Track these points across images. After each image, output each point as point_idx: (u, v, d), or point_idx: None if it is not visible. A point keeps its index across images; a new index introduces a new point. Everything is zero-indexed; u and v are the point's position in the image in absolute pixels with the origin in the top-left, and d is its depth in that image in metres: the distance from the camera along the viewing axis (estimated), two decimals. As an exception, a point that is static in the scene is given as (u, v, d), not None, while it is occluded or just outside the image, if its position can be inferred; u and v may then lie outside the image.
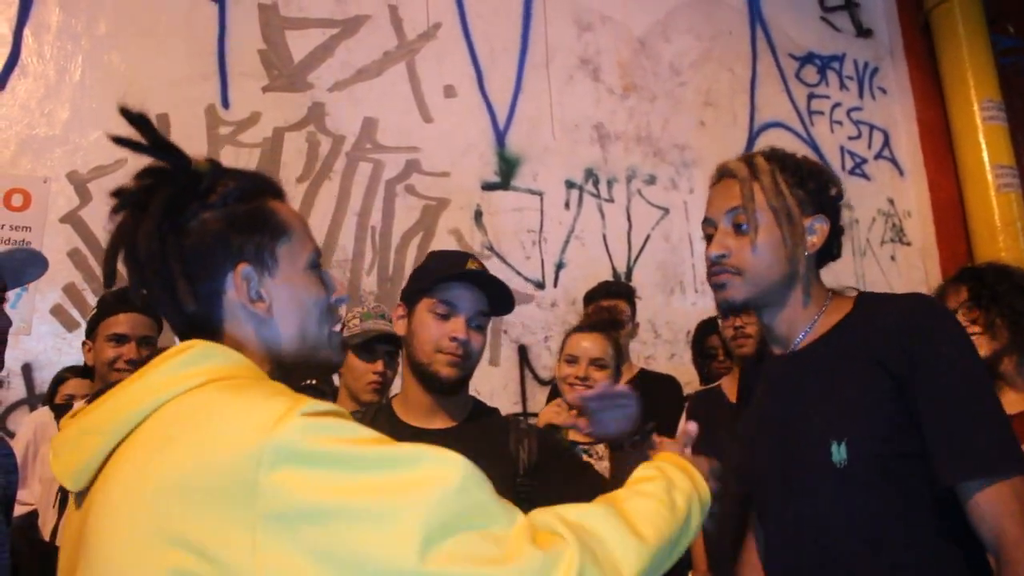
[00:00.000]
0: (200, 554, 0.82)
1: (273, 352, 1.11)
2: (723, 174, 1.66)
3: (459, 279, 1.84)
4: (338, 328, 1.22)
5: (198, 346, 1.02)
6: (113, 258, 1.08)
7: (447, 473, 0.92)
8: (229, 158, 3.77)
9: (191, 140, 3.74)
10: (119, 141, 1.08)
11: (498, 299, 1.90)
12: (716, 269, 1.61)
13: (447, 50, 4.37)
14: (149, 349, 2.60)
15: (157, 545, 0.84)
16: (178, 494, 0.85)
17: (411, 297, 1.91)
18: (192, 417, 0.92)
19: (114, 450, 0.96)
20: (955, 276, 2.50)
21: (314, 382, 3.23)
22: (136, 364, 2.53)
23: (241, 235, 1.09)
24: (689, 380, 4.03)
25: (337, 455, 0.87)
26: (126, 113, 1.06)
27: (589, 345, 2.62)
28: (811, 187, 1.61)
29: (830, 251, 1.65)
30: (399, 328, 1.93)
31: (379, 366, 2.67)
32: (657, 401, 3.28)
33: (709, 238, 1.65)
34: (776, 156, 1.64)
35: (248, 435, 0.86)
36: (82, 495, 0.99)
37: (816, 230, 1.60)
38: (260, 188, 1.15)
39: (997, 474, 1.38)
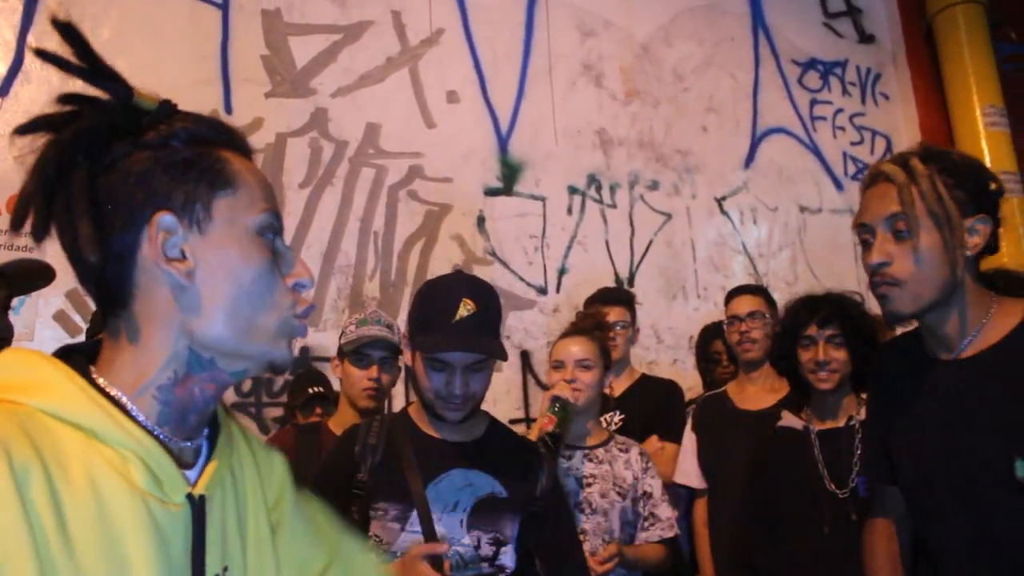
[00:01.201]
0: None
1: (187, 331, 0.90)
2: (878, 177, 1.64)
3: (446, 346, 1.82)
4: (296, 316, 0.97)
5: (4, 357, 0.86)
6: (26, 198, 0.89)
7: None
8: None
9: (194, 145, 3.74)
10: (42, 55, 0.90)
11: (496, 338, 1.93)
12: (877, 279, 1.60)
13: (450, 56, 4.37)
14: None
15: None
16: None
17: (411, 336, 1.93)
18: None
19: None
20: None
21: (320, 389, 3.23)
22: None
23: (170, 178, 0.89)
24: (692, 385, 4.03)
25: None
26: (56, 24, 0.89)
27: (575, 348, 2.64)
28: (971, 187, 1.58)
29: (989, 246, 1.61)
30: (407, 359, 1.96)
31: (373, 372, 2.66)
32: (658, 406, 3.29)
33: (865, 243, 1.64)
34: (932, 156, 1.61)
35: None
36: None
37: (978, 231, 1.57)
38: (216, 136, 0.95)
39: None
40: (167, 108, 0.94)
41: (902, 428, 1.70)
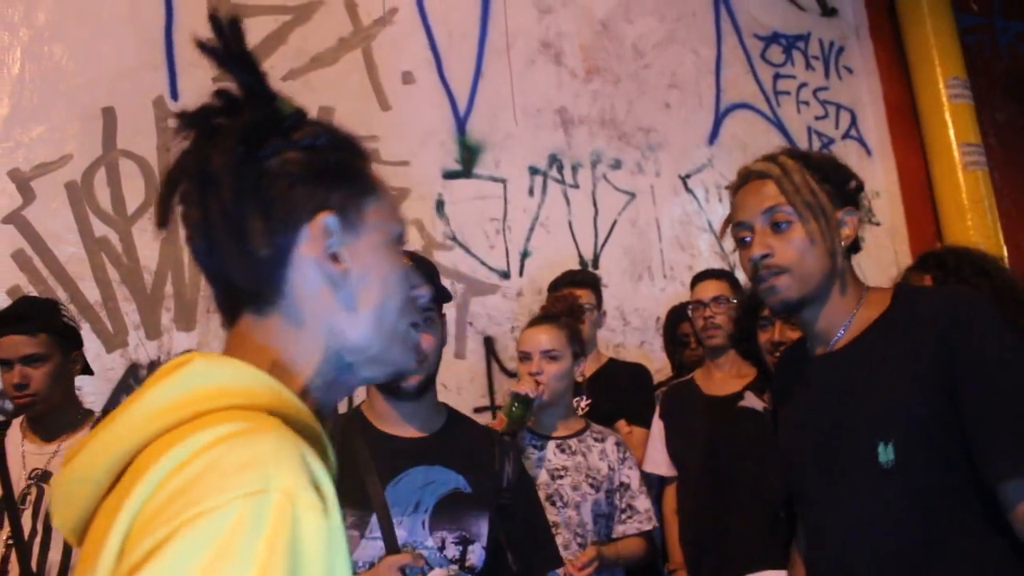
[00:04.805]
0: None
1: (336, 333, 0.91)
2: (750, 176, 1.69)
3: None
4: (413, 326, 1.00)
5: (194, 362, 0.81)
6: (170, 193, 0.89)
7: None
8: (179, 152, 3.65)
9: (140, 133, 3.61)
10: (205, 48, 0.89)
11: (440, 289, 1.89)
12: (763, 273, 1.61)
13: (404, 36, 4.24)
14: (41, 366, 2.48)
15: None
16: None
17: None
18: (176, 480, 0.69)
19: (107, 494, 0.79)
20: (916, 264, 2.45)
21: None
22: (21, 387, 2.42)
23: (328, 180, 0.91)
24: (660, 367, 3.99)
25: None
26: (214, 20, 0.89)
27: (542, 338, 2.58)
28: (835, 180, 1.66)
29: (855, 244, 1.69)
30: None
31: None
32: (626, 390, 3.24)
33: (741, 241, 1.67)
34: (797, 154, 1.69)
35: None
36: None
37: (847, 222, 1.65)
38: (354, 143, 0.97)
39: None
40: (303, 113, 0.94)
41: (787, 428, 1.76)
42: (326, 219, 0.89)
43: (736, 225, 1.69)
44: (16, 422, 2.57)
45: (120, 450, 0.77)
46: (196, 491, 0.66)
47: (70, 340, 2.60)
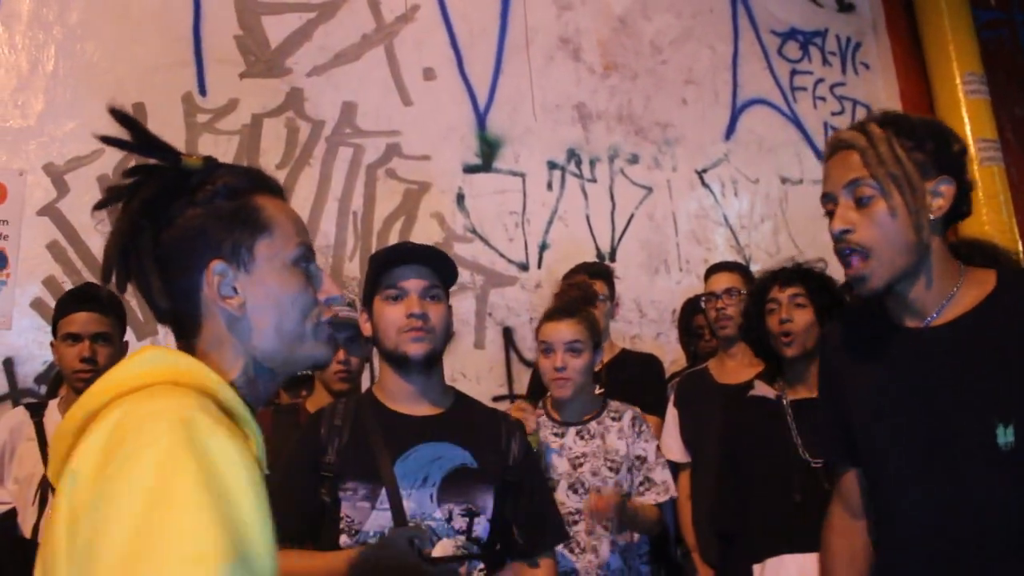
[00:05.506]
0: None
1: (248, 348, 1.12)
2: (838, 146, 1.62)
3: (398, 262, 1.93)
4: (324, 323, 1.19)
5: (146, 352, 1.05)
6: (110, 267, 1.11)
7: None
8: (207, 146, 3.75)
9: (168, 128, 3.70)
10: (108, 140, 1.11)
11: (447, 271, 1.99)
12: (843, 248, 1.56)
13: (426, 32, 4.33)
14: (107, 345, 2.60)
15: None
16: (80, 488, 0.89)
17: (367, 300, 1.99)
18: (102, 421, 0.95)
19: None
20: None
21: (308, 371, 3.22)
22: (90, 361, 2.53)
23: (220, 231, 1.10)
24: (675, 358, 4.04)
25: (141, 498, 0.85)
26: (114, 113, 1.08)
27: (565, 330, 2.59)
28: (930, 148, 1.55)
29: (959, 210, 1.59)
30: (366, 330, 2.01)
31: (340, 354, 2.67)
32: (639, 381, 3.30)
33: (830, 214, 1.61)
34: (890, 120, 1.59)
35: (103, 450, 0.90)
36: None
37: (942, 192, 1.55)
38: (251, 185, 1.16)
39: None
40: (210, 165, 1.14)
41: (866, 398, 1.67)
42: (216, 266, 1.09)
43: (823, 196, 1.63)
44: (53, 403, 2.67)
45: (87, 411, 0.99)
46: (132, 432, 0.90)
47: (124, 331, 2.72)
